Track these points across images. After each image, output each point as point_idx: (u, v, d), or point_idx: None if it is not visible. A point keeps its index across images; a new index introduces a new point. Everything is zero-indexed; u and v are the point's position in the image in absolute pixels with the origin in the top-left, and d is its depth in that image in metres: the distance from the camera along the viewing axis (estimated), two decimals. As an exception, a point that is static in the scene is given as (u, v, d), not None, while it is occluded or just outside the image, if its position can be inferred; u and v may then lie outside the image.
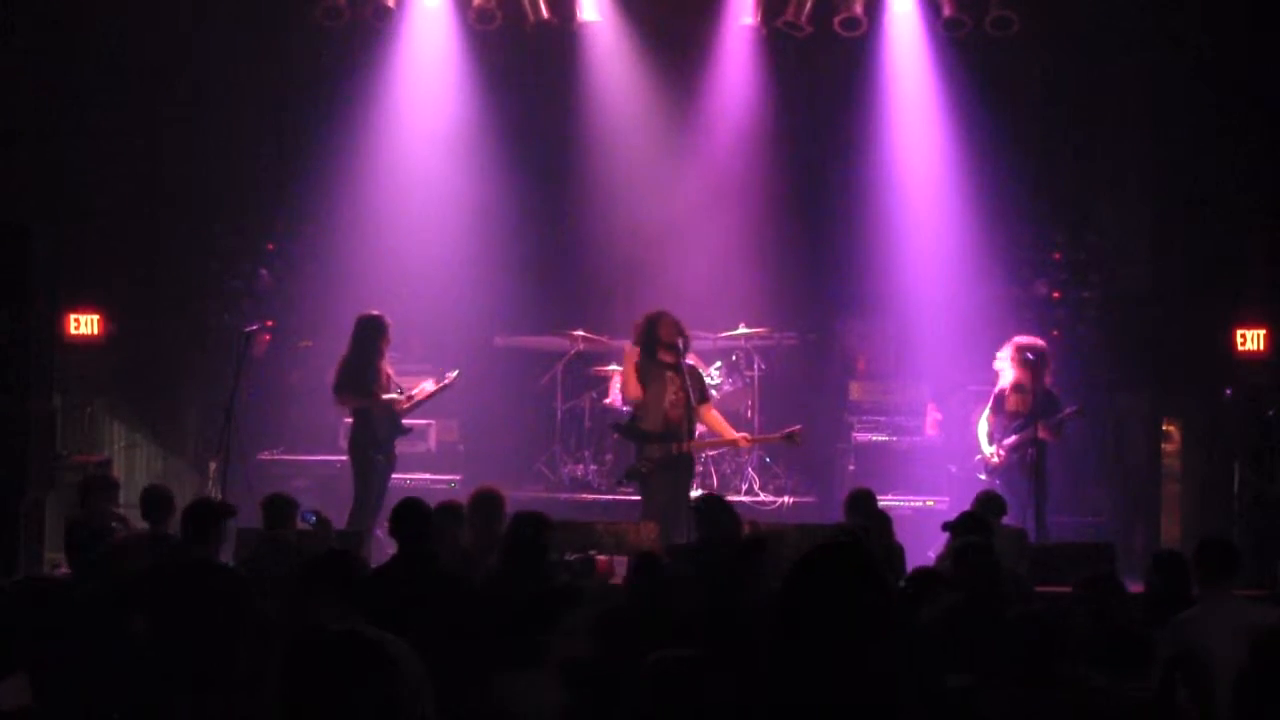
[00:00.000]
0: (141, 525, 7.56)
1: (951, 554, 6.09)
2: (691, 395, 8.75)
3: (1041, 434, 9.44)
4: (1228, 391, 10.50)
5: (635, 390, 8.86)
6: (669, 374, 8.76)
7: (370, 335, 9.53)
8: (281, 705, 3.06)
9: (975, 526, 6.78)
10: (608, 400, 11.31)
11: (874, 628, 2.75)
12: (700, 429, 9.05)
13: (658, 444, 8.71)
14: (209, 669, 4.82)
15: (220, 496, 9.20)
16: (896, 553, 7.46)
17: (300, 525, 7.57)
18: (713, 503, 7.46)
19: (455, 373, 9.94)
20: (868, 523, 7.35)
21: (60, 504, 9.43)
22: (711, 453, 10.44)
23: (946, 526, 6.93)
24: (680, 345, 8.83)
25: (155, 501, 7.55)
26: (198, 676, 4.94)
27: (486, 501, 7.28)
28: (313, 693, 3.00)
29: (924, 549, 8.24)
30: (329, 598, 4.78)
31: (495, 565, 6.28)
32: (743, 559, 6.64)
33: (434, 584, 5.83)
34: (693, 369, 9.00)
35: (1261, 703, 3.61)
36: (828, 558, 2.82)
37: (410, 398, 9.70)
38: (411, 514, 6.17)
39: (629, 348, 9.20)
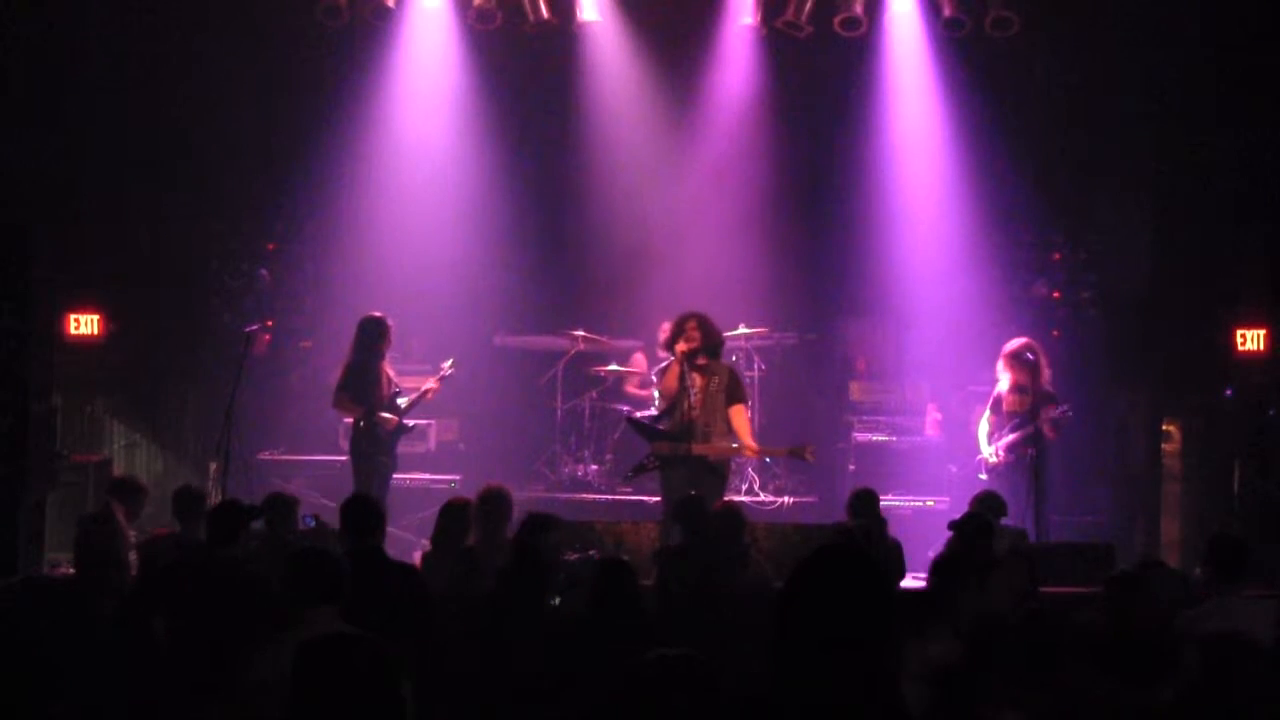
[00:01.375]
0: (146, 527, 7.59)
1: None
2: (720, 396, 8.65)
3: (1044, 430, 9.44)
4: (1228, 391, 10.50)
5: (668, 386, 8.73)
6: (693, 375, 8.70)
7: (371, 337, 9.54)
8: (294, 708, 3.06)
9: (980, 527, 6.80)
10: (627, 388, 11.36)
11: (874, 628, 2.75)
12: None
13: (665, 441, 8.68)
14: (226, 671, 4.79)
15: (220, 497, 9.19)
16: (895, 551, 7.48)
17: (300, 527, 7.58)
18: (691, 504, 7.44)
19: (450, 362, 9.96)
20: (870, 523, 7.36)
21: (60, 504, 9.45)
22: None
23: (952, 525, 6.95)
24: (703, 346, 8.75)
25: (188, 502, 7.64)
26: (214, 679, 4.93)
27: (494, 501, 7.25)
28: (326, 695, 3.00)
29: (924, 549, 8.23)
30: (307, 597, 4.75)
31: (506, 566, 6.21)
32: (720, 530, 6.70)
33: (384, 578, 5.82)
34: (726, 368, 8.93)
35: (1208, 707, 3.62)
36: (828, 558, 2.83)
37: (413, 400, 9.70)
38: (359, 510, 6.15)
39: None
